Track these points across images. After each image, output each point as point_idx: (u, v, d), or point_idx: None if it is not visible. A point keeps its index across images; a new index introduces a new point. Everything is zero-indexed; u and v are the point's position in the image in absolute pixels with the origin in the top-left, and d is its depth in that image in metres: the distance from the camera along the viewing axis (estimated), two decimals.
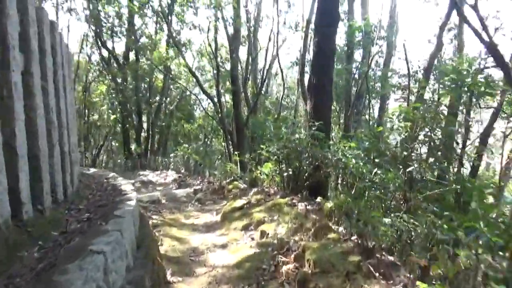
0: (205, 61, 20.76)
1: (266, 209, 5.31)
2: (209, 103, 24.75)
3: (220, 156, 25.97)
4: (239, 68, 14.17)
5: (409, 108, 4.85)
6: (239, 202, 5.97)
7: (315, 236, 3.64)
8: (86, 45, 21.02)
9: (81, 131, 22.68)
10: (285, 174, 5.63)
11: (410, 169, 4.52)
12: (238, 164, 9.54)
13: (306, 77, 11.06)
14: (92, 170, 8.77)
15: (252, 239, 4.45)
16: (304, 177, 5.77)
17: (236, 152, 9.36)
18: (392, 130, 5.77)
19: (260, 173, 7.36)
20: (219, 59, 13.10)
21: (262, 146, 7.22)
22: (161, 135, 20.52)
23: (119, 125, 18.53)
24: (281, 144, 5.93)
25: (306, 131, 6.72)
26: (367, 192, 4.54)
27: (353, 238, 3.34)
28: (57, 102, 3.69)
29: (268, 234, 4.41)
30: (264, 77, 13.92)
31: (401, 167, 5.19)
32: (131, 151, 16.82)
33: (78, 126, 23.16)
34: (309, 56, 12.73)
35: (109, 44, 19.09)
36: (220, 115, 11.97)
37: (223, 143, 23.12)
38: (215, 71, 13.18)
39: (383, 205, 4.45)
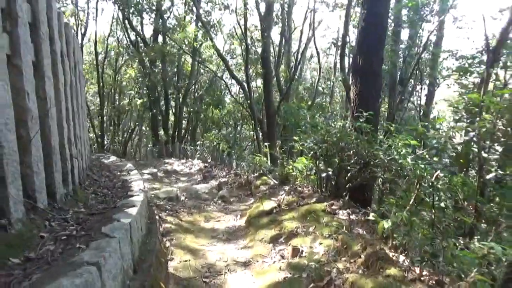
0: (236, 45, 19.89)
1: (300, 216, 4.45)
2: (238, 89, 24.01)
3: (249, 144, 25.27)
4: (271, 50, 13.18)
5: (489, 96, 3.75)
6: (267, 204, 5.14)
7: (367, 267, 2.73)
8: (116, 28, 20.77)
9: (111, 116, 22.72)
10: (323, 174, 4.70)
11: (491, 175, 3.47)
12: (268, 155, 8.68)
13: (343, 64, 9.93)
14: (112, 158, 8.25)
15: (282, 256, 3.61)
16: (346, 178, 4.83)
17: (266, 144, 8.50)
18: (458, 123, 4.67)
19: (293, 169, 6.47)
20: (250, 40, 12.09)
21: (295, 137, 6.31)
22: (189, 121, 20.02)
23: (148, 110, 18.17)
24: (318, 137, 4.99)
25: (347, 122, 5.72)
26: (431, 202, 3.54)
27: (423, 277, 2.41)
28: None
29: (302, 252, 3.56)
30: (298, 60, 12.82)
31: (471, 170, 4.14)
32: (159, 138, 16.41)
33: (108, 110, 23.28)
34: (349, 38, 11.51)
35: (138, 27, 18.68)
36: (249, 101, 11.07)
37: (251, 132, 22.39)
38: (244, 53, 12.23)
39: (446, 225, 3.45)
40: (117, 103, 22.39)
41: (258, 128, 11.40)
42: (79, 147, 4.38)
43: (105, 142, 21.49)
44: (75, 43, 5.59)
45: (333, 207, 4.53)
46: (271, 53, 12.81)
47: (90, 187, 4.42)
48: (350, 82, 5.80)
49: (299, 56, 13.58)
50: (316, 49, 12.69)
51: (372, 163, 4.53)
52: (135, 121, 19.95)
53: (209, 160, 11.96)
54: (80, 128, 4.63)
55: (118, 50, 18.76)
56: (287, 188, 6.10)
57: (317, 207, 4.51)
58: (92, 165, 6.91)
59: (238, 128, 20.92)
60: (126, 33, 17.35)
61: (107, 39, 19.36)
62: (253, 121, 12.13)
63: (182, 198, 6.24)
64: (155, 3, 15.99)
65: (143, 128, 22.75)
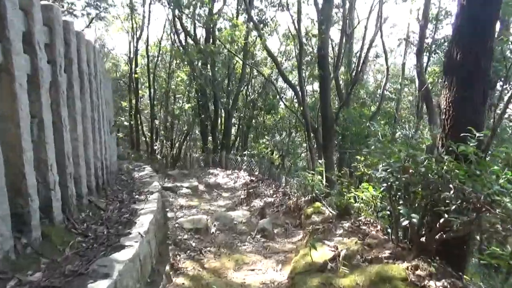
0: (292, 45, 18.60)
1: (367, 283, 3.03)
2: (293, 94, 22.63)
3: (304, 152, 23.70)
4: (330, 50, 11.67)
5: None
6: (319, 253, 3.77)
7: None
8: (170, 31, 20.58)
9: (161, 121, 22.64)
10: (405, 222, 3.20)
11: None
12: (323, 174, 7.26)
13: (421, 61, 8.12)
14: (144, 171, 7.41)
15: None
16: (438, 226, 3.29)
17: (320, 161, 7.07)
18: None
19: (355, 199, 5.02)
20: (305, 37, 10.66)
21: (358, 156, 4.87)
22: (240, 127, 19.10)
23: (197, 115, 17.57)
24: (395, 163, 3.52)
25: (437, 142, 4.13)
26: None
27: None
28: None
29: None
30: (363, 59, 11.10)
31: None
32: (207, 145, 15.65)
33: (161, 114, 23.24)
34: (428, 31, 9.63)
35: (191, 30, 18.22)
36: (302, 107, 9.65)
37: (303, 144, 20.83)
38: (297, 51, 10.84)
39: None
40: (171, 107, 22.24)
41: (312, 139, 9.93)
42: (71, 170, 3.39)
43: (156, 147, 21.40)
44: (96, 58, 4.74)
45: (419, 272, 3.05)
46: (329, 53, 11.30)
47: (84, 223, 3.43)
48: (443, 84, 4.20)
49: (364, 54, 11.87)
50: (384, 47, 10.93)
51: (482, 206, 2.96)
52: (187, 127, 19.51)
53: (256, 173, 10.78)
54: (79, 145, 3.67)
55: (171, 52, 18.41)
56: (346, 224, 4.67)
57: (393, 271, 3.07)
58: (114, 182, 6.08)
59: (293, 134, 19.52)
60: (177, 35, 16.93)
61: (160, 42, 19.19)
62: (306, 131, 10.66)
63: (213, 229, 5.08)
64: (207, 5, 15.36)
65: (195, 134, 22.33)
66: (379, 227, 4.45)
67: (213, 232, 4.97)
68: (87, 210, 3.76)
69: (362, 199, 4.91)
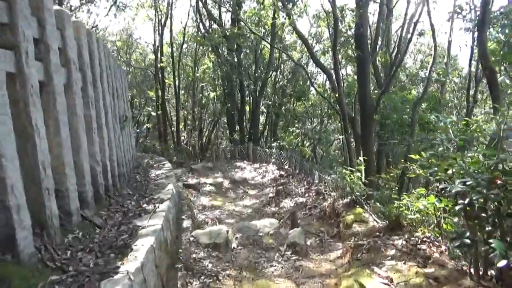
0: (323, 27, 17.30)
1: None
2: (324, 79, 21.33)
3: (336, 139, 22.46)
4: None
5: None
6: (369, 281, 2.89)
7: None
8: (196, 18, 19.80)
9: (188, 111, 22.12)
10: (501, 263, 2.23)
11: None
12: (363, 172, 6.28)
13: (484, 36, 6.82)
14: (162, 170, 6.75)
15: None
16: None
17: (361, 158, 6.06)
18: None
19: (409, 209, 4.07)
20: (339, 14, 9.40)
21: (412, 155, 3.91)
22: (268, 115, 18.19)
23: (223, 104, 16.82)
24: (478, 174, 2.54)
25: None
26: None
27: None
28: None
29: None
30: (410, 36, 9.64)
31: None
32: (233, 137, 14.88)
33: (188, 103, 22.73)
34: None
35: (216, 15, 17.39)
36: (337, 94, 8.55)
37: (336, 134, 19.60)
38: (331, 30, 9.63)
39: None
40: (198, 96, 21.65)
41: (349, 129, 8.82)
42: (48, 184, 2.68)
43: (183, 138, 20.97)
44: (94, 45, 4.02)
45: None
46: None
47: (67, 251, 2.73)
48: None
49: (409, 32, 10.43)
50: (430, 22, 9.47)
51: None
52: (213, 116, 18.85)
53: (286, 167, 9.91)
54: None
55: (195, 39, 17.64)
56: (399, 242, 3.74)
57: None
58: (126, 184, 5.43)
59: (325, 122, 18.39)
60: (201, 21, 16.15)
61: (185, 29, 18.47)
62: (341, 120, 9.52)
63: (234, 244, 4.29)
64: None
65: (222, 123, 21.66)
66: (443, 247, 3.48)
67: (234, 248, 4.18)
68: (77, 230, 3.06)
69: (418, 209, 3.95)
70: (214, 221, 6.33)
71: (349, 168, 6.40)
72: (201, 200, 7.56)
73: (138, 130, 21.96)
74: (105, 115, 4.48)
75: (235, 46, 13.59)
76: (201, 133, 21.95)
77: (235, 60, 13.71)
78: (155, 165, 7.70)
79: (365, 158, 7.75)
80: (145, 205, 4.13)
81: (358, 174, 6.16)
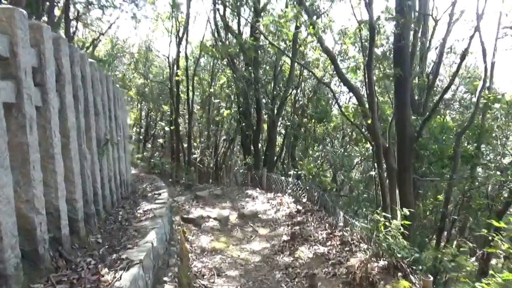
0: (349, 44, 16.12)
1: None
2: (347, 100, 20.00)
3: (360, 163, 20.89)
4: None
5: None
6: None
7: None
8: (213, 30, 19.04)
9: (202, 128, 21.15)
10: None
11: None
12: (398, 216, 4.91)
13: None
14: (156, 203, 5.59)
15: None
16: None
17: (398, 202, 4.71)
18: None
19: None
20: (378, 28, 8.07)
21: (495, 222, 2.57)
22: (286, 137, 16.92)
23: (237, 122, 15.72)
24: None
25: None
26: None
27: None
28: None
29: None
30: (463, 52, 8.05)
31: None
32: (246, 161, 13.68)
33: (203, 120, 21.75)
34: None
35: (234, 27, 16.56)
36: (371, 119, 7.09)
37: (364, 147, 18.12)
38: (363, 40, 8.26)
39: None
40: (213, 112, 20.69)
41: (382, 163, 7.41)
42: None
43: (195, 156, 19.90)
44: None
45: None
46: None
47: None
48: None
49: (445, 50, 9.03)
50: (481, 39, 7.98)
51: None
52: (226, 136, 17.73)
53: (304, 200, 8.60)
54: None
55: (210, 49, 16.75)
56: None
57: None
58: (103, 222, 4.28)
59: (348, 147, 16.99)
60: (217, 33, 15.28)
61: (201, 42, 17.66)
62: (375, 151, 8.06)
63: None
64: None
65: (237, 143, 20.52)
66: None
67: None
68: None
69: None
70: (212, 273, 5.09)
71: (382, 213, 5.08)
72: (200, 240, 6.34)
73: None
74: (67, 138, 3.38)
75: (253, 60, 12.56)
76: (216, 152, 20.85)
77: (252, 75, 12.63)
78: (149, 194, 6.55)
79: (400, 197, 6.39)
80: (105, 270, 2.94)
81: (396, 222, 4.84)
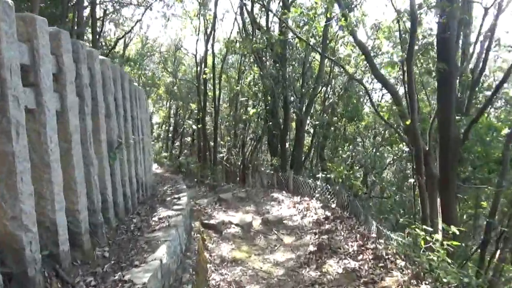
0: (382, 38, 15.24)
1: None
2: (380, 97, 18.99)
3: (392, 163, 19.88)
4: None
5: None
6: None
7: None
8: (240, 27, 18.68)
9: (229, 126, 20.87)
10: None
11: None
12: (450, 239, 4.30)
13: None
14: (175, 209, 5.26)
15: None
16: None
17: (439, 214, 4.09)
18: None
19: None
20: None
21: None
22: (315, 136, 16.29)
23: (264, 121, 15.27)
24: None
25: None
26: None
27: None
28: None
29: None
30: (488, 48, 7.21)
31: None
32: (272, 162, 13.21)
33: (230, 118, 21.49)
34: None
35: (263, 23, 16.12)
36: (411, 117, 6.33)
37: (398, 147, 17.16)
38: (401, 31, 7.46)
39: None
40: (240, 110, 20.36)
41: (422, 169, 6.68)
42: None
43: (222, 155, 19.67)
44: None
45: None
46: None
47: None
48: None
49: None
50: None
51: None
52: (253, 135, 17.33)
53: (333, 205, 8.04)
54: None
55: (239, 49, 16.41)
56: None
57: None
58: (114, 233, 3.98)
59: (380, 148, 16.13)
60: (244, 30, 14.88)
61: (229, 39, 17.34)
62: (414, 154, 7.28)
63: None
64: None
65: (264, 142, 20.09)
66: None
67: None
68: None
69: None
70: (231, 287, 4.69)
71: (423, 226, 4.50)
72: (221, 248, 5.96)
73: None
74: (68, 143, 3.07)
75: (280, 57, 12.05)
76: (243, 151, 20.52)
77: (280, 73, 12.13)
78: (168, 198, 6.24)
79: (443, 208, 5.71)
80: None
81: (438, 237, 4.24)
